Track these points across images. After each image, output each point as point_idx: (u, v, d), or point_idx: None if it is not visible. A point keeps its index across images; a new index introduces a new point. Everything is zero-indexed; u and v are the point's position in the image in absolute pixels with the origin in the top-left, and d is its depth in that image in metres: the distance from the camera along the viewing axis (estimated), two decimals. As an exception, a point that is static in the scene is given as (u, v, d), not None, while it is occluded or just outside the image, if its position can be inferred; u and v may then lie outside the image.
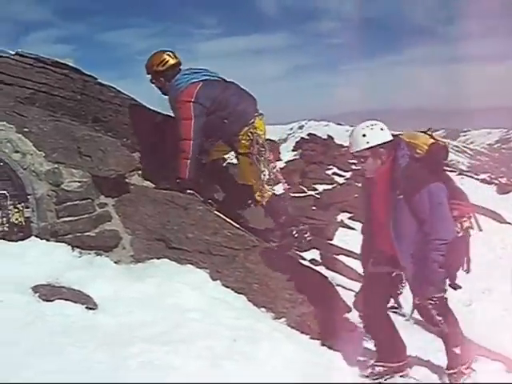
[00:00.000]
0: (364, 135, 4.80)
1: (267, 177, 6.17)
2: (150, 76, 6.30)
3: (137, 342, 3.74)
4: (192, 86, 6.04)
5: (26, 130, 5.46)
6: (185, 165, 5.97)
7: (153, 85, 6.37)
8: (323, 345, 5.25)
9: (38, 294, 4.13)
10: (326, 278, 6.27)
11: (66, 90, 6.06)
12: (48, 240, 5.24)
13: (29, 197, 5.27)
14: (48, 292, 4.20)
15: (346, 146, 5.69)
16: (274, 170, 6.29)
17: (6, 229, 5.24)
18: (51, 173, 5.36)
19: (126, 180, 5.89)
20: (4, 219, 5.27)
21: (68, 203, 5.37)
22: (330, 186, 22.46)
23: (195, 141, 5.95)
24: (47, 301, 4.08)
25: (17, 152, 5.30)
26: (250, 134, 6.07)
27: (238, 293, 5.40)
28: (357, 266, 9.02)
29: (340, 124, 47.52)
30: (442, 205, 4.67)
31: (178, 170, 6.00)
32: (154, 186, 6.13)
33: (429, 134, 4.99)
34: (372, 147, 4.79)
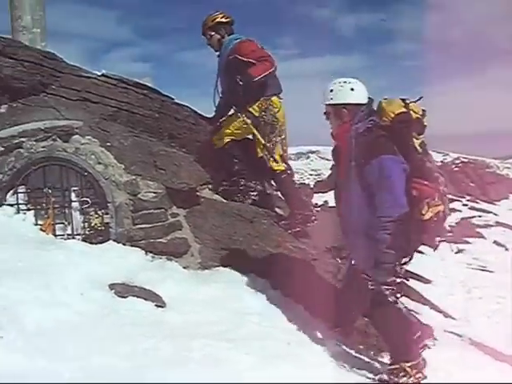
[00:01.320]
0: (331, 90, 4.53)
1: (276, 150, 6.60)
2: (209, 31, 6.90)
3: (200, 337, 4.10)
4: (251, 40, 6.72)
5: (108, 144, 5.94)
6: (264, 71, 6.45)
7: (209, 44, 7.00)
8: (380, 351, 5.41)
9: (113, 291, 4.59)
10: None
11: (145, 109, 6.50)
12: (124, 244, 5.70)
13: (109, 204, 5.76)
14: (122, 289, 4.65)
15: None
16: (285, 148, 6.74)
17: (87, 232, 5.76)
18: (129, 183, 5.82)
19: (197, 193, 6.24)
20: (86, 224, 5.78)
21: (143, 212, 5.80)
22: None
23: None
24: (121, 297, 4.53)
25: (100, 164, 5.79)
26: (266, 103, 6.57)
27: (297, 302, 5.60)
28: (421, 288, 9.07)
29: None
30: (391, 179, 4.16)
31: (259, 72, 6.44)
32: (222, 199, 6.47)
33: (405, 102, 4.47)
34: (333, 105, 4.54)
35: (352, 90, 4.50)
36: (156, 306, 4.60)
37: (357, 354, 5.14)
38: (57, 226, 5.79)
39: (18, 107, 6.18)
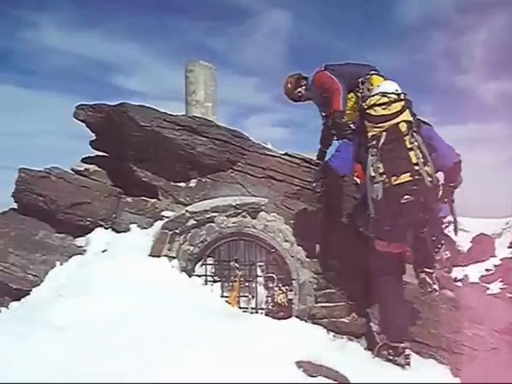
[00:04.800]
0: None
1: None
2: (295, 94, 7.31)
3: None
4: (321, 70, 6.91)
5: (292, 222, 6.17)
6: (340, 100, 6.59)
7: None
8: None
9: (301, 369, 4.66)
10: None
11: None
12: (306, 321, 5.79)
13: (293, 281, 5.94)
14: (310, 368, 4.70)
15: None
16: None
17: (270, 307, 5.96)
18: (314, 262, 6.01)
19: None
20: (269, 299, 5.98)
21: (327, 290, 5.94)
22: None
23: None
24: (311, 376, 4.59)
25: (286, 241, 6.02)
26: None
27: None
28: None
29: (561, 218, 43.39)
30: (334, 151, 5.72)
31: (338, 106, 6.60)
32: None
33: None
34: None
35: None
36: (342, 388, 4.63)
37: None
38: (241, 299, 6.03)
39: (207, 182, 6.61)
